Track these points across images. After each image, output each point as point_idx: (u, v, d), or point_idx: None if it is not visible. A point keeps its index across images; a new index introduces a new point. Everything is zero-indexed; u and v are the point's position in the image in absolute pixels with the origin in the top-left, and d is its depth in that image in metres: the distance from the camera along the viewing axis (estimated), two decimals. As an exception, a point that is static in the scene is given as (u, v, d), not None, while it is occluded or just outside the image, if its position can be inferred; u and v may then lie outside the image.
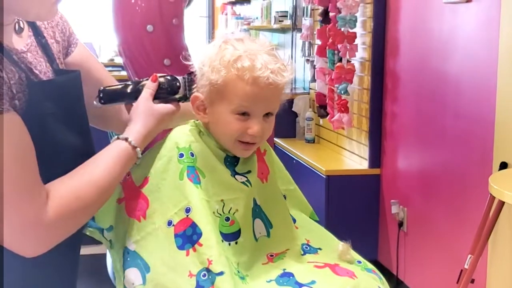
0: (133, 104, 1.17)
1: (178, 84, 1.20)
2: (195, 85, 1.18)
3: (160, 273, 1.07)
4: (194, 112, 1.16)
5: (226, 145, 1.16)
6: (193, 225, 1.07)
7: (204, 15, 7.50)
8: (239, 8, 6.19)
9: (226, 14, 6.43)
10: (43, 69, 1.07)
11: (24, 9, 1.00)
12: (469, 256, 2.24)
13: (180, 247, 1.07)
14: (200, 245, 1.05)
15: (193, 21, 6.57)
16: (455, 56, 2.70)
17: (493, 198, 2.14)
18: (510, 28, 2.32)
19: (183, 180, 1.10)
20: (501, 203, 2.11)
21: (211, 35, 7.42)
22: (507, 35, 2.34)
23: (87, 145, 1.11)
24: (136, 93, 1.18)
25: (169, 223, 1.08)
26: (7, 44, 1.01)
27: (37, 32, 1.11)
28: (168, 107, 1.17)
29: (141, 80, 1.20)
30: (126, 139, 1.09)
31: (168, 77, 1.21)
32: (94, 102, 1.17)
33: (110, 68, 5.41)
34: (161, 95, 1.18)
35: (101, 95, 1.17)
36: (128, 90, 1.19)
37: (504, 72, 2.36)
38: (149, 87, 1.18)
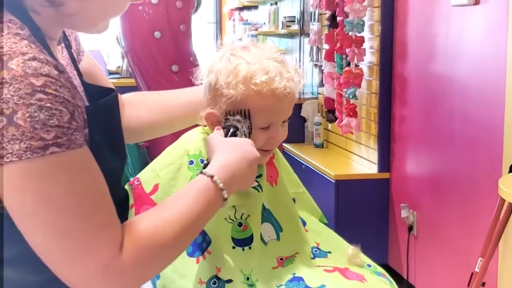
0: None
1: (238, 127, 1.09)
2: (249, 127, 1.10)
3: (170, 279, 1.08)
4: (210, 128, 1.14)
5: None
6: (203, 233, 1.08)
7: (212, 21, 7.53)
8: (247, 14, 6.20)
9: (234, 20, 6.45)
10: (78, 85, 0.98)
11: (88, 25, 0.93)
12: (480, 259, 2.23)
13: (190, 254, 1.07)
14: (209, 252, 1.06)
15: (201, 27, 6.60)
16: (463, 59, 2.69)
17: (503, 200, 2.13)
18: (518, 31, 2.32)
19: None
20: (511, 206, 2.10)
21: (218, 41, 7.44)
22: (515, 37, 2.33)
23: (122, 170, 1.02)
24: None
25: None
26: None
27: (67, 42, 1.05)
28: (243, 139, 1.06)
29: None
30: (201, 172, 0.97)
31: (225, 126, 1.11)
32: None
33: (118, 76, 5.44)
34: None
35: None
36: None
37: (513, 75, 2.35)
38: (214, 132, 1.08)
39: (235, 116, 1.10)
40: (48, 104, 0.79)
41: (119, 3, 0.93)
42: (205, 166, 1.00)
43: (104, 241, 0.83)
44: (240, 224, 1.10)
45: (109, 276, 0.83)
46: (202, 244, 1.07)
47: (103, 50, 5.75)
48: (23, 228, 0.82)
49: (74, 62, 1.03)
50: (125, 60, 5.10)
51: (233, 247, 1.08)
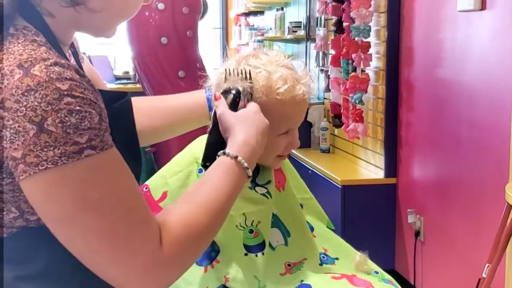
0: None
1: (239, 88, 1.08)
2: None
3: (176, 286, 1.08)
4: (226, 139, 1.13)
5: (264, 163, 1.17)
6: (212, 242, 1.08)
7: (218, 27, 7.54)
8: (253, 19, 6.21)
9: (240, 25, 6.46)
10: None
11: (105, 27, 0.92)
12: (487, 265, 2.22)
13: (199, 263, 1.07)
14: (218, 261, 1.06)
15: (207, 32, 6.61)
16: (469, 64, 2.69)
17: (510, 206, 2.12)
18: (525, 36, 2.31)
19: None
20: (519, 212, 2.10)
21: (225, 47, 7.47)
22: (522, 42, 2.33)
23: (140, 173, 1.02)
24: (218, 131, 1.06)
25: None
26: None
27: (73, 49, 1.04)
28: (250, 107, 1.07)
29: (212, 122, 1.09)
30: (224, 153, 0.98)
31: (224, 91, 1.09)
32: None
33: (125, 81, 5.46)
34: (233, 106, 1.07)
35: (205, 163, 1.05)
36: (217, 136, 1.07)
37: (520, 80, 2.34)
38: (220, 104, 1.07)
39: (234, 77, 1.09)
40: (78, 107, 0.78)
41: (137, 1, 0.93)
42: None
43: (146, 237, 0.83)
44: (251, 231, 1.10)
45: (154, 270, 0.83)
46: (210, 253, 1.07)
47: (110, 55, 5.77)
48: (63, 236, 0.81)
49: (81, 68, 1.02)
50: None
51: (246, 254, 1.08)
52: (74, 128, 0.78)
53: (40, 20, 0.86)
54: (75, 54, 1.04)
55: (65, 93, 0.78)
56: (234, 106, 1.06)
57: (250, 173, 0.97)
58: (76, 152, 0.78)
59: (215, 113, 1.07)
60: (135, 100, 1.29)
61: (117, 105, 0.94)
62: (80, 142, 0.78)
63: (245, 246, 1.09)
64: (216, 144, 1.04)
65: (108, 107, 0.88)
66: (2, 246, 0.84)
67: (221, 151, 0.98)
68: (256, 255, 1.09)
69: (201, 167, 1.13)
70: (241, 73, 1.09)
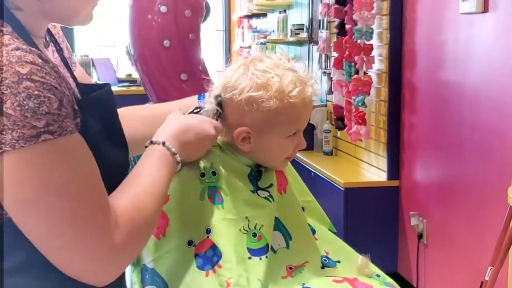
0: None
1: (202, 107, 1.19)
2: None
3: None
4: (239, 145, 1.15)
5: (271, 165, 1.19)
6: (213, 246, 1.08)
7: (221, 29, 7.55)
8: (256, 22, 6.22)
9: (243, 28, 6.46)
10: (71, 84, 0.99)
11: (71, 13, 0.93)
12: (490, 267, 2.22)
13: (200, 267, 1.07)
14: (220, 266, 1.06)
15: (210, 34, 6.62)
16: (472, 67, 2.69)
17: (513, 209, 2.12)
18: (528, 38, 2.31)
19: (204, 201, 1.11)
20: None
21: (228, 49, 7.48)
22: (524, 45, 2.32)
23: (127, 161, 1.05)
24: None
25: (190, 243, 1.09)
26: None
27: (58, 47, 1.05)
28: (202, 117, 1.15)
29: None
30: (151, 142, 1.04)
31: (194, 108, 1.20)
32: None
33: (128, 84, 5.46)
34: None
35: None
36: None
37: (522, 82, 2.34)
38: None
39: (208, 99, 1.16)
40: (36, 92, 0.79)
41: None
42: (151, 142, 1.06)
43: (104, 221, 0.85)
44: (254, 235, 1.10)
45: (110, 255, 0.85)
46: (212, 258, 1.07)
47: (113, 58, 5.78)
48: (22, 220, 0.82)
49: (68, 66, 1.03)
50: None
51: (249, 258, 1.08)
52: (32, 112, 0.78)
53: (7, 12, 0.86)
54: (59, 51, 1.04)
55: (25, 77, 0.79)
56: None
57: (179, 159, 1.03)
58: (33, 136, 0.79)
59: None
60: (130, 109, 1.30)
61: (96, 94, 0.95)
62: (37, 126, 0.79)
63: (249, 250, 1.09)
64: None
65: (86, 96, 0.90)
66: None
67: (148, 141, 1.03)
68: (260, 259, 1.09)
69: (203, 172, 1.13)
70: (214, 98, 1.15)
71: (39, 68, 0.80)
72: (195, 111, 1.18)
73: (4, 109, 0.77)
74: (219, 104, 1.15)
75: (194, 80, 3.72)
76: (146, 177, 0.96)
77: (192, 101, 1.26)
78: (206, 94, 1.26)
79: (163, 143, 1.02)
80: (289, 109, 1.12)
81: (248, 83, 1.11)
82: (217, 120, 1.15)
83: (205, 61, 4.04)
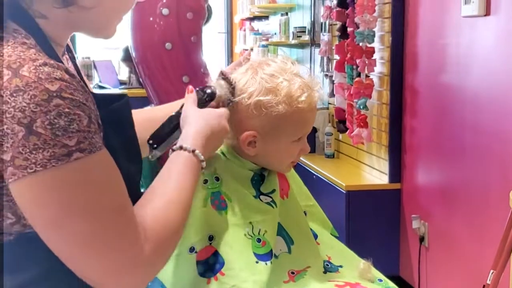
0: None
1: (214, 91, 1.13)
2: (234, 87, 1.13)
3: None
4: (245, 148, 1.15)
5: (277, 169, 1.20)
6: (216, 254, 1.08)
7: (223, 31, 7.55)
8: (257, 24, 6.22)
9: (245, 30, 6.46)
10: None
11: (102, 26, 0.92)
12: (491, 271, 2.21)
13: (201, 275, 1.07)
14: (223, 274, 1.06)
15: (212, 37, 6.62)
16: (474, 70, 2.69)
17: (515, 213, 2.11)
18: (530, 42, 2.31)
19: (207, 207, 1.11)
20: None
21: (230, 51, 7.48)
22: (526, 48, 2.32)
23: (140, 173, 1.03)
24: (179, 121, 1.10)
25: (191, 249, 1.09)
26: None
27: (71, 54, 1.02)
28: (217, 109, 1.10)
29: (177, 111, 1.13)
30: (181, 147, 1.00)
31: (203, 87, 1.14)
32: (149, 157, 1.10)
33: (128, 86, 5.46)
34: (201, 105, 1.12)
35: (154, 145, 1.09)
36: (172, 123, 1.11)
37: (524, 86, 2.34)
38: (188, 97, 1.11)
39: (220, 81, 1.13)
40: (67, 109, 0.78)
41: None
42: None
43: (132, 237, 0.83)
44: (259, 240, 1.10)
45: (141, 268, 0.84)
46: (215, 265, 1.07)
47: (114, 61, 5.78)
48: (52, 239, 0.81)
49: (80, 74, 1.02)
50: (132, 71, 5.13)
51: (257, 262, 1.08)
52: (63, 130, 0.77)
53: (31, 22, 0.85)
54: (73, 59, 1.03)
55: (54, 94, 0.77)
56: (202, 104, 1.10)
57: (204, 165, 1.01)
58: (65, 155, 0.77)
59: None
60: (134, 113, 1.29)
61: (115, 106, 0.93)
62: (69, 144, 0.78)
63: (255, 255, 1.09)
64: (171, 131, 1.09)
65: (105, 108, 0.87)
66: (2, 252, 0.84)
67: (178, 145, 1.01)
68: (266, 264, 1.09)
69: (206, 178, 1.13)
70: (232, 83, 1.12)
71: (68, 84, 0.79)
72: (205, 96, 1.12)
73: (34, 128, 0.76)
74: (230, 82, 1.12)
75: (196, 82, 3.72)
76: (173, 187, 0.94)
77: None
78: None
79: (193, 151, 1.00)
80: (296, 114, 1.12)
81: (257, 87, 1.12)
82: (226, 105, 1.12)
83: (207, 63, 4.05)
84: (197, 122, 1.05)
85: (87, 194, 0.80)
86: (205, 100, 1.12)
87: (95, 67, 5.41)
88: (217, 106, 1.12)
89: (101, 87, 5.19)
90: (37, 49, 0.82)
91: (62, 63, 0.85)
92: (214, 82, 1.14)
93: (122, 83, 5.53)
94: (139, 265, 0.84)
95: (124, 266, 0.83)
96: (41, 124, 0.76)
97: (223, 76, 1.14)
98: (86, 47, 6.02)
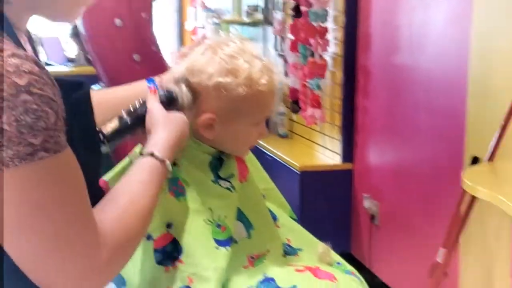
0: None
1: (176, 97, 1.11)
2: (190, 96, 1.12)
3: (136, 287, 1.05)
4: (203, 132, 1.12)
5: (235, 153, 1.18)
6: (174, 241, 1.06)
7: (174, 9, 7.43)
8: (209, 1, 6.13)
9: (196, 7, 6.37)
10: None
11: (67, 10, 0.89)
12: (442, 249, 2.26)
13: (159, 263, 1.05)
14: (181, 262, 1.04)
15: (162, 14, 6.50)
16: (426, 51, 2.71)
17: (465, 193, 2.16)
18: (482, 23, 2.34)
19: (165, 194, 1.08)
20: (474, 198, 2.13)
21: (180, 29, 7.37)
22: (478, 30, 2.35)
23: (100, 163, 0.99)
24: (139, 119, 1.09)
25: (148, 237, 1.06)
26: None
27: (30, 36, 0.98)
28: (182, 115, 1.09)
29: (133, 106, 1.10)
30: (151, 154, 0.98)
31: (164, 91, 1.12)
32: (103, 149, 1.05)
33: (76, 64, 5.33)
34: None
35: (105, 140, 1.06)
36: (129, 121, 1.09)
37: (475, 67, 2.38)
38: (152, 98, 1.09)
39: (182, 87, 1.11)
40: (34, 106, 0.74)
41: None
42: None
43: (92, 240, 0.81)
44: (218, 226, 1.09)
45: (98, 272, 0.81)
46: (173, 253, 1.04)
47: (61, 38, 5.63)
48: (8, 240, 0.77)
49: (37, 56, 0.97)
50: (81, 48, 5.02)
51: (216, 248, 1.06)
52: (29, 128, 0.73)
53: None
54: (31, 39, 0.98)
55: (23, 89, 0.73)
56: (166, 106, 1.08)
57: (171, 168, 1.00)
58: (29, 154, 0.74)
59: (144, 102, 1.09)
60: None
61: (76, 96, 0.89)
62: (34, 143, 0.74)
63: (215, 240, 1.07)
64: (128, 128, 1.08)
65: (66, 98, 0.83)
66: (2, 254, 0.80)
67: (149, 151, 0.98)
68: (226, 249, 1.07)
69: None
70: (195, 92, 1.10)
71: (37, 78, 0.75)
72: (167, 101, 1.10)
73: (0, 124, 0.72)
74: (193, 89, 1.10)
75: (147, 61, 3.65)
76: (137, 194, 0.92)
77: (142, 85, 1.22)
78: (157, 78, 1.23)
79: (152, 154, 0.98)
80: (256, 97, 1.10)
81: (217, 68, 1.08)
82: (192, 104, 1.10)
83: (158, 41, 3.97)
84: (167, 128, 1.04)
85: (47, 195, 0.76)
86: (166, 104, 1.09)
87: (41, 44, 5.26)
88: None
89: (48, 65, 5.05)
90: (5, 37, 0.78)
91: (25, 50, 0.81)
92: (176, 87, 1.11)
93: (69, 60, 5.40)
94: (96, 271, 0.81)
95: (84, 271, 0.80)
96: (7, 120, 0.72)
97: (187, 82, 1.10)
98: (32, 22, 5.83)
